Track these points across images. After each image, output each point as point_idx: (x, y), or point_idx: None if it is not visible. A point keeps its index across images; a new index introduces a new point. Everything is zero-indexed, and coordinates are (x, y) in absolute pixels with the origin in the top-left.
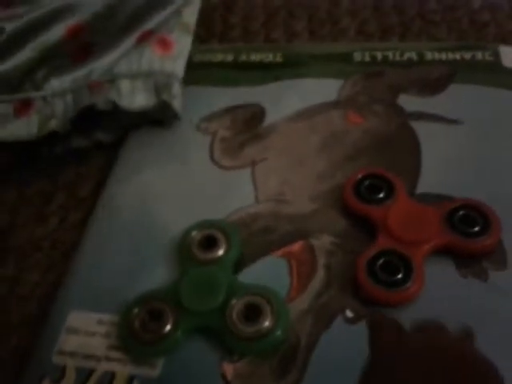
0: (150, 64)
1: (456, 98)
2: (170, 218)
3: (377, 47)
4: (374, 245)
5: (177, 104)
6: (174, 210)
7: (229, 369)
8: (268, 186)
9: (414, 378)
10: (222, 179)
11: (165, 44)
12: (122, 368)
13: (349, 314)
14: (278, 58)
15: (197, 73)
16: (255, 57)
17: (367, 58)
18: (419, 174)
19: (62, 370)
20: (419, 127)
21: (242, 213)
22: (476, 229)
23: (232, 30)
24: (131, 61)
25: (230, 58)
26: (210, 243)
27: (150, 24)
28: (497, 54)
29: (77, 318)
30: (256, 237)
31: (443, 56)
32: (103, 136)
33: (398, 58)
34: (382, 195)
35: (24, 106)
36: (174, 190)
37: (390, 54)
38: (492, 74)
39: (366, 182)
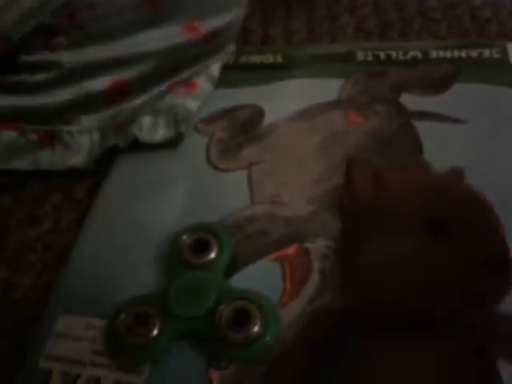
0: (172, 99)
1: (461, 97)
2: (163, 220)
3: (380, 46)
4: None
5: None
6: (166, 212)
7: (215, 376)
8: (264, 188)
9: None
10: (217, 181)
11: (190, 85)
12: (107, 374)
13: None
14: (279, 59)
15: None
16: (256, 58)
17: (370, 58)
18: None
19: (48, 375)
20: (422, 126)
21: (237, 215)
22: None
23: None
24: (153, 98)
25: (230, 60)
26: (201, 247)
27: (183, 75)
28: (505, 52)
29: (65, 323)
30: (251, 239)
31: (448, 54)
32: None
33: (401, 56)
34: None
35: (49, 137)
36: (168, 191)
37: (394, 53)
38: (499, 71)
39: None
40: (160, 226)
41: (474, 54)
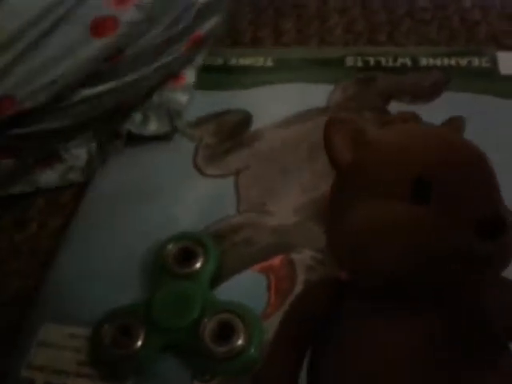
0: (160, 96)
1: (450, 106)
2: (148, 229)
3: (369, 52)
4: None
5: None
6: (152, 221)
7: None
8: (251, 196)
9: None
10: (203, 188)
11: (178, 79)
12: None
13: None
14: (269, 63)
15: None
16: (246, 61)
17: (360, 63)
18: None
19: None
20: None
21: (223, 223)
22: None
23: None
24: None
25: (219, 61)
26: (186, 256)
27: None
28: (494, 61)
29: (49, 331)
30: (236, 249)
31: (438, 62)
32: None
33: (390, 63)
34: None
35: (48, 158)
36: (154, 199)
37: (383, 60)
38: (488, 81)
39: None
40: (145, 234)
41: (463, 62)
